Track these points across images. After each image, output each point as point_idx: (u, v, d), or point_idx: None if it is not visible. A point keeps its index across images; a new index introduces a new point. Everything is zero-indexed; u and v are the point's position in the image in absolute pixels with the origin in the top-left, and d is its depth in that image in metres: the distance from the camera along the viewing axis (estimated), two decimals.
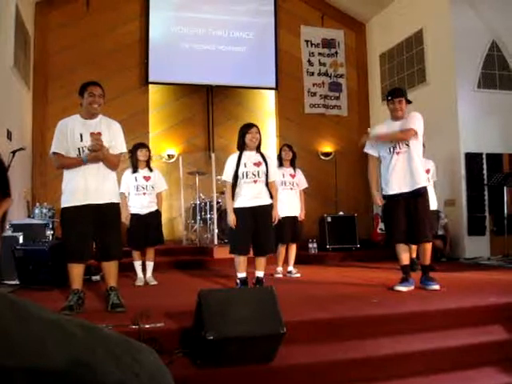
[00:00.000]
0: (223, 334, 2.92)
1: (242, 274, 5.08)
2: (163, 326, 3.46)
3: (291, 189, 6.53)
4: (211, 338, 2.87)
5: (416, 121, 4.97)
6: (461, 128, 8.74)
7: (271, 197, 5.11)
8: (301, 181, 6.73)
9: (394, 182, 5.00)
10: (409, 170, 4.97)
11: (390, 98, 5.12)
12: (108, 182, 4.21)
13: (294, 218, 6.50)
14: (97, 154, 4.06)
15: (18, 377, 0.47)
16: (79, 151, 4.12)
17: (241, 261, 5.06)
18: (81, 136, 4.13)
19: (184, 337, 3.34)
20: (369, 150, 5.28)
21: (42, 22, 9.93)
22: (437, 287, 4.89)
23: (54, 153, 4.18)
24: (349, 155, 11.19)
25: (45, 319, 0.54)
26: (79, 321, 0.57)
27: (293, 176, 6.58)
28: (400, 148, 5.00)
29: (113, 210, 4.26)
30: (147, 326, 3.40)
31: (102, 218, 4.14)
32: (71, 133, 4.14)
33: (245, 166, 5.01)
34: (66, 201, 4.17)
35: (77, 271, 4.13)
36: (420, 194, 4.99)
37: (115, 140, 4.26)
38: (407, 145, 4.99)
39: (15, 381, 0.47)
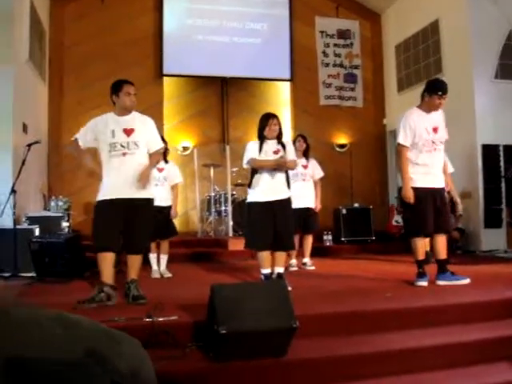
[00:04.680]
0: (235, 328, 2.92)
1: (266, 270, 4.98)
2: (177, 318, 3.47)
3: (303, 180, 6.49)
4: (224, 331, 2.89)
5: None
6: (478, 119, 8.63)
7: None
8: (315, 170, 6.70)
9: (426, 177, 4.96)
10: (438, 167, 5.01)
11: (440, 93, 4.92)
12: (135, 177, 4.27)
13: (308, 209, 6.47)
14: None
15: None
16: (110, 147, 4.23)
17: (264, 256, 4.97)
18: (112, 132, 4.24)
19: (197, 330, 3.35)
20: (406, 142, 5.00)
21: (58, 15, 10.00)
22: (466, 281, 4.83)
23: (76, 139, 4.35)
24: (364, 147, 11.14)
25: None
26: (60, 317, 0.58)
27: (305, 167, 6.55)
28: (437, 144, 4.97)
29: (145, 205, 4.32)
30: (161, 319, 3.41)
31: (133, 212, 4.22)
32: (103, 129, 4.27)
33: (265, 155, 4.98)
34: (101, 195, 4.28)
35: (106, 262, 4.17)
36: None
37: (152, 137, 4.41)
38: (441, 142, 4.98)
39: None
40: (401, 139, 4.98)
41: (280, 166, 4.92)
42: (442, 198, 5.01)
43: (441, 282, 4.87)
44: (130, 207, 4.22)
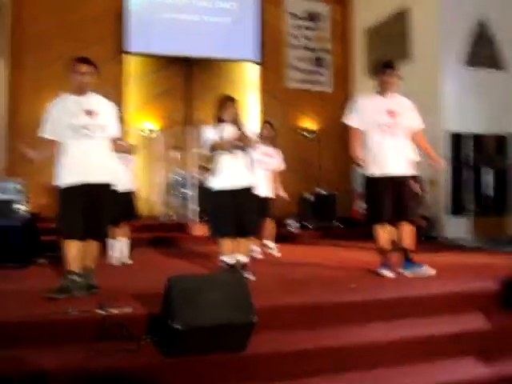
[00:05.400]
0: (191, 324, 2.77)
1: (228, 258, 4.75)
2: (132, 311, 3.31)
3: (266, 169, 6.21)
4: (178, 327, 2.74)
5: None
6: (445, 107, 8.61)
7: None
8: (279, 162, 6.49)
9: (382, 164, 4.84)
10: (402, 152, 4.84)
11: (385, 68, 4.87)
12: (102, 161, 4.10)
13: (266, 197, 6.21)
14: None
15: None
16: (71, 129, 3.98)
17: (226, 243, 4.77)
18: (73, 113, 4.00)
19: (153, 323, 3.19)
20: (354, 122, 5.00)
21: None
22: (432, 272, 4.74)
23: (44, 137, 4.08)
24: (333, 132, 11.01)
25: None
26: None
27: (270, 156, 6.33)
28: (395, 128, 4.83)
29: (106, 188, 4.13)
30: (114, 311, 3.25)
31: (94, 196, 4.02)
32: (62, 111, 4.02)
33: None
34: (63, 179, 4.02)
35: (75, 249, 3.96)
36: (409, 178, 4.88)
37: (114, 122, 4.21)
38: (401, 127, 4.84)
39: None
40: (346, 119, 5.04)
41: (242, 141, 4.69)
42: (402, 185, 4.83)
43: (406, 272, 4.79)
44: (92, 192, 4.02)
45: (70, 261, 3.95)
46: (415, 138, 4.96)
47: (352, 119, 4.99)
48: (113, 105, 4.28)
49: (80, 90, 4.08)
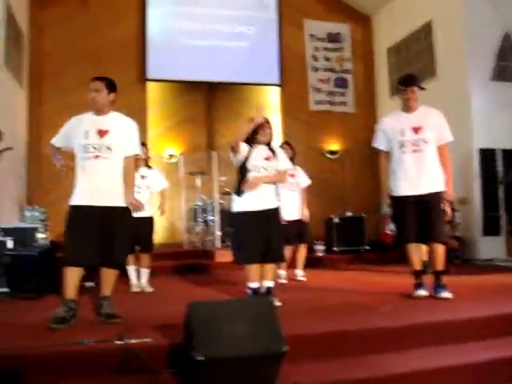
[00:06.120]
0: (215, 354, 2.54)
1: (253, 284, 4.54)
2: (152, 341, 3.09)
3: (291, 190, 6.17)
4: (200, 358, 2.51)
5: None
6: (474, 122, 8.35)
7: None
8: (302, 178, 6.38)
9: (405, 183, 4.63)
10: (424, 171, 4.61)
11: (401, 86, 4.70)
12: (117, 184, 3.92)
13: (299, 220, 6.13)
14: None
15: None
16: (83, 149, 3.87)
17: (252, 269, 4.54)
18: (86, 133, 3.88)
19: (174, 354, 2.97)
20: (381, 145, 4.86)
21: (38, 19, 9.68)
22: (448, 295, 4.47)
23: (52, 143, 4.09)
24: (356, 153, 10.83)
25: None
26: None
27: (292, 176, 6.18)
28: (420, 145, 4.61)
29: (122, 214, 3.93)
30: (134, 341, 3.03)
31: (108, 221, 3.84)
32: (77, 129, 3.93)
33: (255, 161, 4.54)
34: (73, 200, 3.90)
35: (73, 277, 3.77)
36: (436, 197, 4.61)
37: (128, 140, 4.00)
38: (425, 142, 4.60)
39: None
40: (373, 142, 4.89)
41: (279, 179, 4.67)
42: (427, 204, 4.57)
43: (437, 295, 4.52)
44: (106, 216, 3.83)
45: (66, 289, 3.76)
46: (439, 153, 4.67)
47: (379, 142, 4.85)
48: (131, 122, 4.07)
49: (97, 109, 3.96)
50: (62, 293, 3.78)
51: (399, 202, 4.67)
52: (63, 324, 3.56)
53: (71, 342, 3.04)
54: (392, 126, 4.73)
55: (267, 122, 4.70)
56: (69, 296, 3.73)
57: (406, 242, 4.65)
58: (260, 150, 4.59)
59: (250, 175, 4.51)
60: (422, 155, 4.59)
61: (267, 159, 4.58)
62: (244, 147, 4.58)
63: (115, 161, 3.93)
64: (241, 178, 4.57)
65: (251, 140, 4.60)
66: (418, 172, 4.57)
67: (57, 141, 4.05)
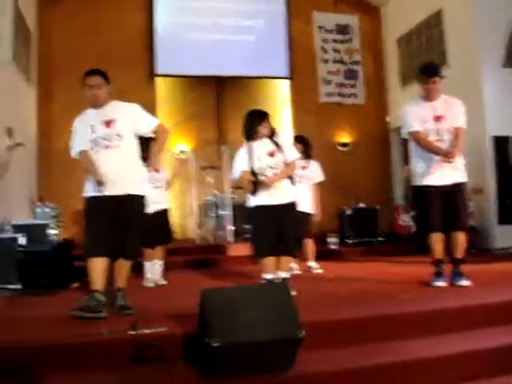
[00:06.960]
0: (230, 341, 2.49)
1: (268, 275, 4.47)
2: (166, 330, 3.04)
3: (299, 182, 5.94)
4: (216, 344, 2.46)
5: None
6: (487, 110, 8.22)
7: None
8: (314, 173, 6.23)
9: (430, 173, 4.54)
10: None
11: (425, 76, 4.55)
12: (131, 172, 3.88)
13: (304, 213, 5.88)
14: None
15: None
16: (92, 143, 3.84)
17: (269, 261, 4.48)
18: (92, 128, 3.85)
19: (189, 343, 2.92)
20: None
21: (46, 17, 9.68)
22: (467, 283, 4.41)
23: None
24: (367, 145, 10.75)
25: None
26: None
27: (303, 168, 6.03)
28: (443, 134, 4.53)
29: (136, 202, 3.90)
30: (147, 331, 2.99)
31: (122, 211, 3.80)
32: (84, 127, 3.89)
33: (259, 160, 4.46)
34: (87, 191, 3.88)
35: (96, 268, 3.72)
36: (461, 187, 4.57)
37: (140, 119, 3.98)
38: (449, 131, 4.51)
39: None
40: (406, 129, 4.67)
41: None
42: (452, 193, 4.52)
43: (456, 283, 4.46)
44: (119, 206, 3.79)
45: (92, 280, 3.72)
46: (454, 133, 4.55)
47: (410, 125, 4.62)
48: (131, 104, 4.01)
49: (96, 103, 3.92)
50: (89, 284, 3.75)
51: (424, 192, 4.59)
52: (89, 314, 3.48)
53: (89, 333, 3.00)
54: (417, 113, 4.61)
55: (266, 114, 4.63)
56: (94, 287, 3.69)
57: (432, 230, 4.58)
58: (262, 145, 4.51)
59: (261, 178, 4.44)
60: (445, 145, 4.51)
61: (271, 155, 4.48)
62: (242, 156, 4.54)
63: (127, 149, 3.90)
64: (253, 181, 4.49)
65: (252, 135, 4.53)
66: (443, 162, 4.49)
67: (77, 147, 3.94)
